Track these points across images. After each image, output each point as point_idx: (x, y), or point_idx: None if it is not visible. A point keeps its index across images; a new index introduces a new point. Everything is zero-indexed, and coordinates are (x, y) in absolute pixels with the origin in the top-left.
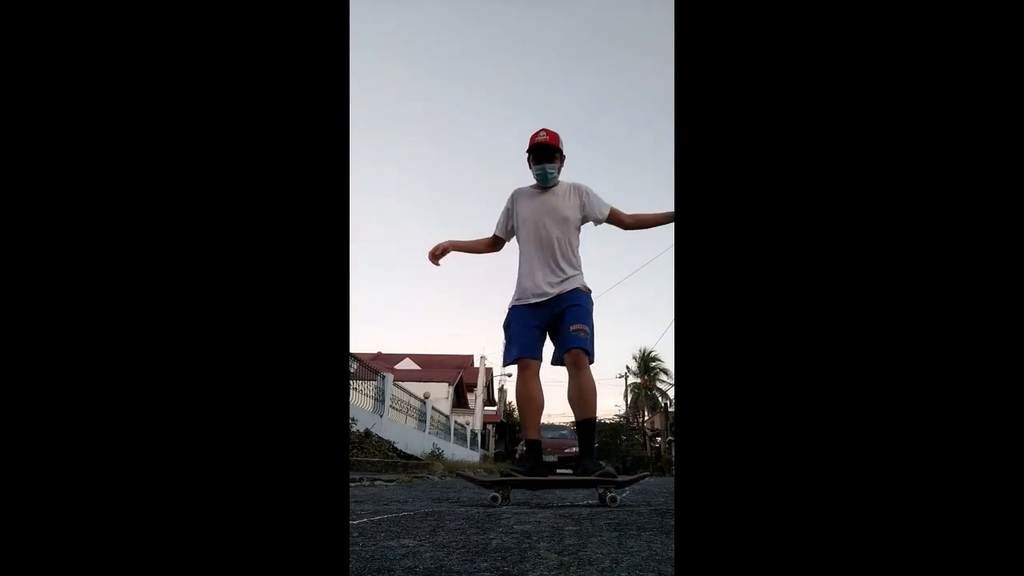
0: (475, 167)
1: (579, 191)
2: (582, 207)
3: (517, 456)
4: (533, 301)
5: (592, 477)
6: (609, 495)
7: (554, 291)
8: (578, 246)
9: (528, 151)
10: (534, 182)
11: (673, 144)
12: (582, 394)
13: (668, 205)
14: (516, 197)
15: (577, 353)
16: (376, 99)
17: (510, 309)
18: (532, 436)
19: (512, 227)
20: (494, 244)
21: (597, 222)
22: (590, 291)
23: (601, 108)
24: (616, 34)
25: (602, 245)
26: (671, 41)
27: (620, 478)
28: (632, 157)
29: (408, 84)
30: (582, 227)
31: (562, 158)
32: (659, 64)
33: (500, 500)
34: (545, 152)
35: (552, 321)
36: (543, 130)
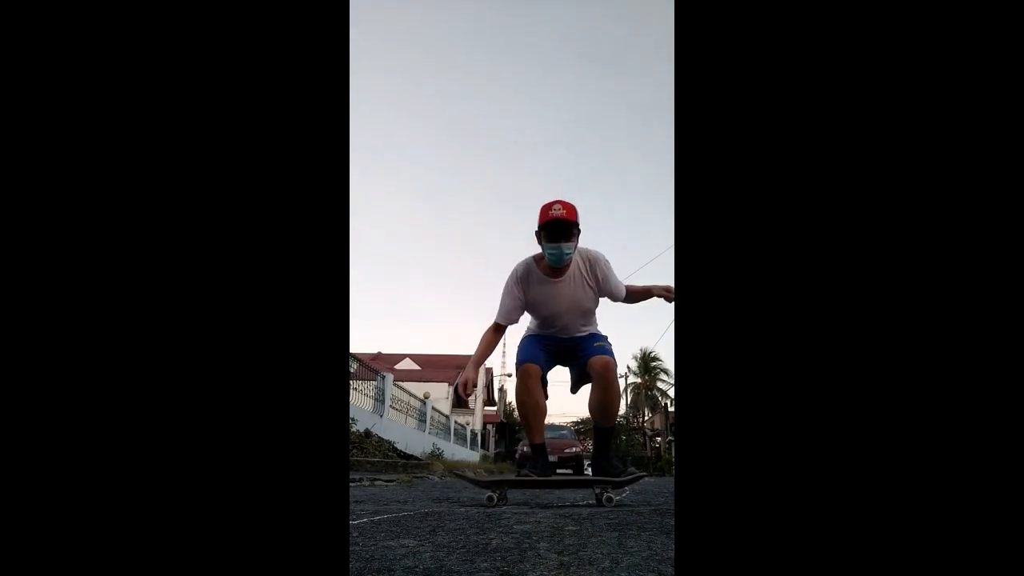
0: (475, 166)
1: (594, 269)
2: (599, 289)
3: (517, 456)
4: (548, 334)
5: (623, 478)
6: (606, 495)
7: (575, 336)
8: (596, 311)
9: (541, 228)
10: (537, 252)
11: (673, 144)
12: (607, 405)
13: (667, 206)
14: (524, 284)
15: (607, 361)
16: (376, 99)
17: (524, 336)
18: (538, 440)
19: (520, 314)
20: (497, 334)
21: (610, 298)
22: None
23: (602, 107)
24: (617, 34)
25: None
26: (671, 41)
27: (621, 479)
28: (632, 157)
29: (408, 84)
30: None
31: (579, 234)
32: (659, 65)
33: (497, 499)
34: (562, 230)
35: (569, 350)
36: (558, 202)
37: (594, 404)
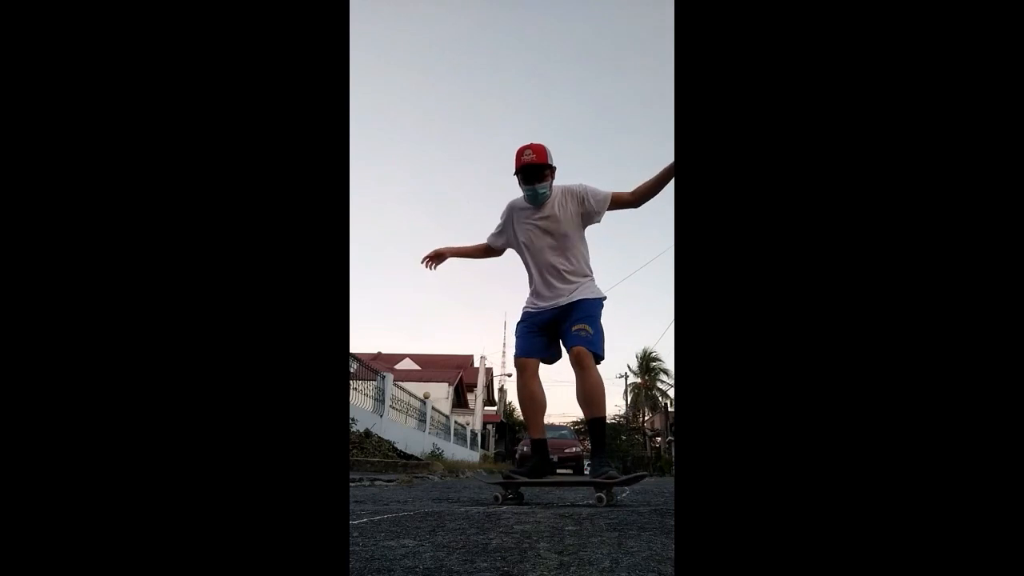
0: (474, 166)
1: (574, 197)
2: (581, 214)
3: (517, 456)
4: (539, 308)
5: (595, 479)
6: (597, 494)
7: (563, 302)
8: (585, 252)
9: (516, 173)
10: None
11: (673, 145)
12: (586, 394)
13: (667, 206)
14: (512, 214)
15: (579, 351)
16: (376, 99)
17: (519, 321)
18: (537, 436)
19: (504, 243)
20: (487, 252)
21: (598, 219)
22: (601, 296)
23: (601, 107)
24: (616, 34)
25: (602, 245)
26: (671, 41)
27: (620, 478)
28: (632, 157)
29: (408, 84)
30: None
31: (552, 172)
32: (659, 64)
33: (502, 500)
34: (534, 172)
35: (557, 323)
36: (528, 147)
37: (577, 395)
